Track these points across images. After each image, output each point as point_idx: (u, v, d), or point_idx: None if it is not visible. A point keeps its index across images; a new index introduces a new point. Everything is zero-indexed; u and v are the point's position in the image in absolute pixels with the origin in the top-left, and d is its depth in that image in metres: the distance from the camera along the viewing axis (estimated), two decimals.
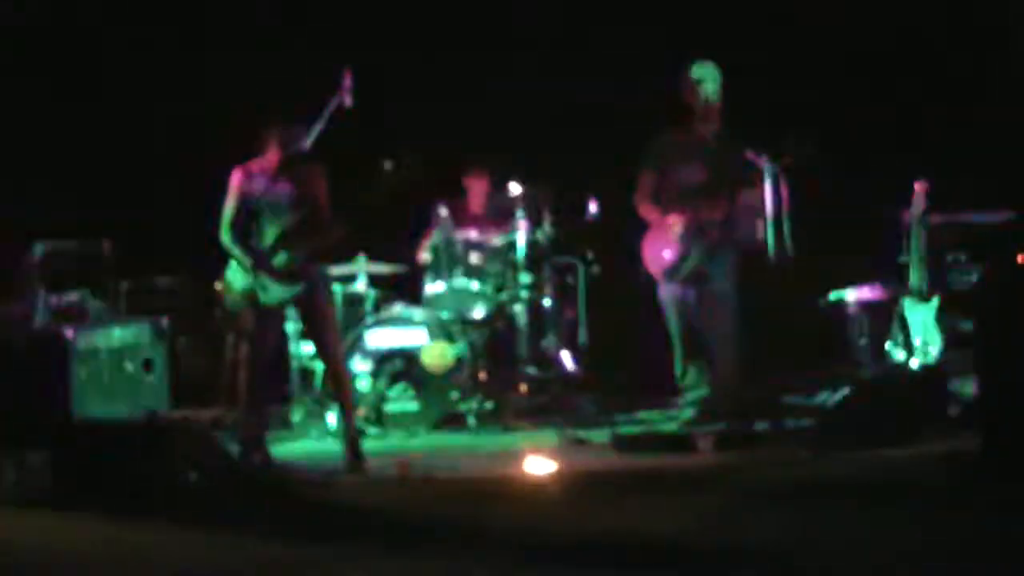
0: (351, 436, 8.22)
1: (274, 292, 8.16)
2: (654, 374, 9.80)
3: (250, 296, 8.18)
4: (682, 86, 8.97)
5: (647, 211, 9.06)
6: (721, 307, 8.91)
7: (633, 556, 5.95)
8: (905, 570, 5.50)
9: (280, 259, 8.15)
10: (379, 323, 9.71)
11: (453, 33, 11.83)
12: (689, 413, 8.98)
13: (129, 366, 9.43)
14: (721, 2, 11.06)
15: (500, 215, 10.22)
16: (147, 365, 9.57)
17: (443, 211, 10.04)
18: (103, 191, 11.46)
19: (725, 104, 9.01)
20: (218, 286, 8.53)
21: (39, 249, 10.16)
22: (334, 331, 8.57)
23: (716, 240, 8.87)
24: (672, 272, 8.94)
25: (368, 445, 8.68)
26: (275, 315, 8.37)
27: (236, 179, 8.28)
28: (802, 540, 6.06)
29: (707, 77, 8.96)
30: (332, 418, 9.10)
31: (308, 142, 8.31)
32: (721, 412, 8.72)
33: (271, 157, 8.25)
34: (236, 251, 8.17)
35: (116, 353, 9.35)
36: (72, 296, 9.86)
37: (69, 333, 9.06)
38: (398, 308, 9.88)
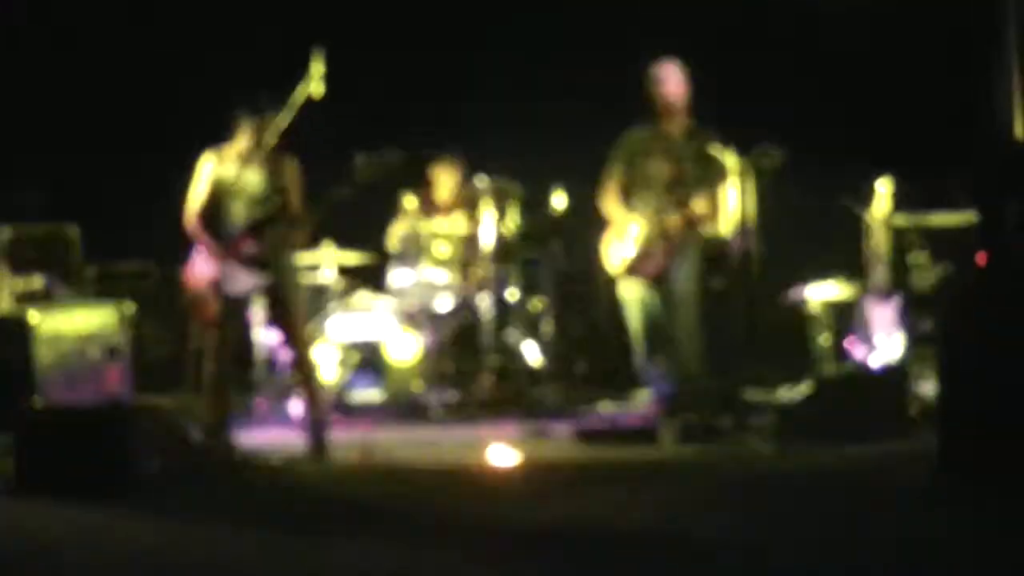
0: (317, 424, 8.22)
1: (241, 281, 8.13)
2: (617, 367, 9.85)
3: (216, 285, 8.13)
4: (646, 84, 9.04)
5: (610, 208, 9.13)
6: (683, 306, 8.93)
7: (593, 547, 5.97)
8: (872, 564, 5.49)
9: (249, 248, 8.13)
10: (344, 312, 9.73)
11: (421, 25, 11.78)
12: (652, 407, 8.97)
13: (94, 351, 9.36)
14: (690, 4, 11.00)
15: (467, 206, 10.23)
16: (112, 351, 9.47)
17: (411, 201, 10.08)
18: (71, 173, 11.44)
19: (693, 101, 9.07)
20: (184, 273, 8.46)
21: (3, 232, 10.14)
22: (301, 320, 8.55)
23: (678, 240, 8.90)
24: (631, 271, 9.00)
25: (332, 434, 8.68)
26: (240, 304, 8.35)
27: (206, 164, 8.24)
28: (763, 534, 6.08)
29: (669, 76, 9.06)
30: (295, 407, 9.11)
31: (279, 130, 8.27)
32: (684, 407, 8.72)
33: (242, 144, 8.22)
34: (203, 238, 8.13)
35: (81, 338, 9.30)
36: (37, 280, 9.86)
37: (33, 317, 9.01)
38: (363, 297, 9.94)
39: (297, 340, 8.43)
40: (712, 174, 8.85)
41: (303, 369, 8.44)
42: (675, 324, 8.94)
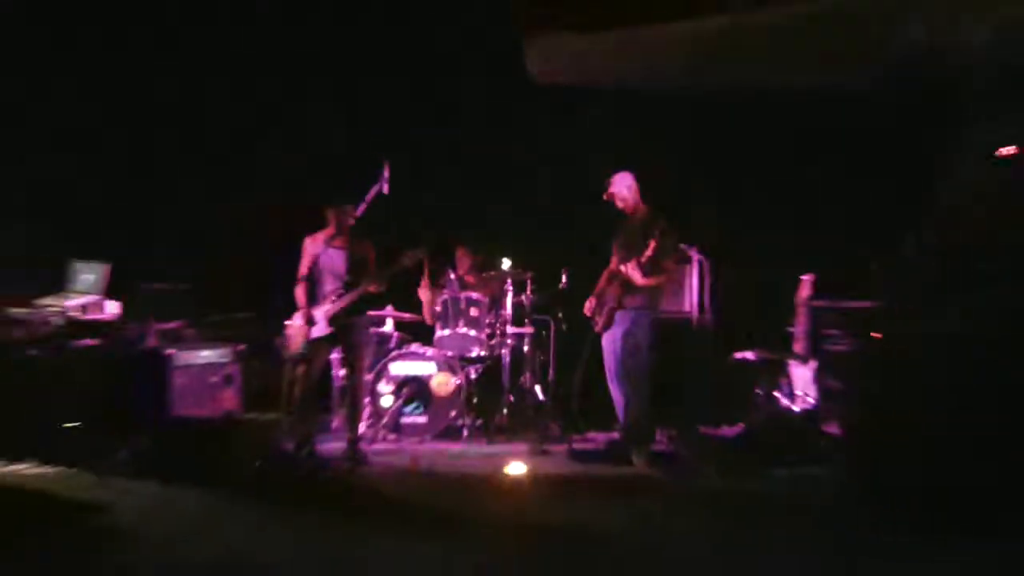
0: (354, 439, 8.41)
1: (322, 331, 8.29)
2: (604, 404, 9.31)
3: (306, 333, 8.33)
4: (605, 190, 8.89)
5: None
6: (628, 357, 8.59)
7: (580, 540, 6.28)
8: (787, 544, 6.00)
9: (330, 310, 8.32)
10: (400, 356, 9.78)
11: (444, 137, 11.48)
12: (624, 436, 8.78)
13: (214, 378, 9.47)
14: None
15: (494, 282, 10.28)
16: (227, 379, 9.61)
17: (451, 275, 10.06)
18: (199, 244, 11.13)
19: (651, 200, 8.81)
20: (286, 325, 8.70)
21: (150, 288, 10.08)
22: (362, 362, 8.67)
23: (614, 307, 8.64)
24: (600, 329, 8.79)
25: (388, 447, 8.89)
26: (323, 347, 8.48)
27: (308, 246, 8.44)
28: (702, 533, 6.46)
29: (618, 184, 8.85)
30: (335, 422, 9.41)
31: (354, 219, 8.42)
32: (639, 437, 8.59)
33: (330, 230, 8.43)
34: (302, 302, 8.33)
35: (204, 368, 9.41)
36: (174, 324, 9.93)
37: (170, 351, 9.14)
38: (415, 346, 9.94)
39: (357, 376, 8.56)
40: (644, 245, 8.51)
41: (354, 397, 8.56)
42: (624, 372, 8.68)
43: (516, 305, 10.21)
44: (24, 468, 8.23)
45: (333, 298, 8.41)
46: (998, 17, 8.12)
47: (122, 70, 11.28)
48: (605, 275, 8.87)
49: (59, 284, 9.91)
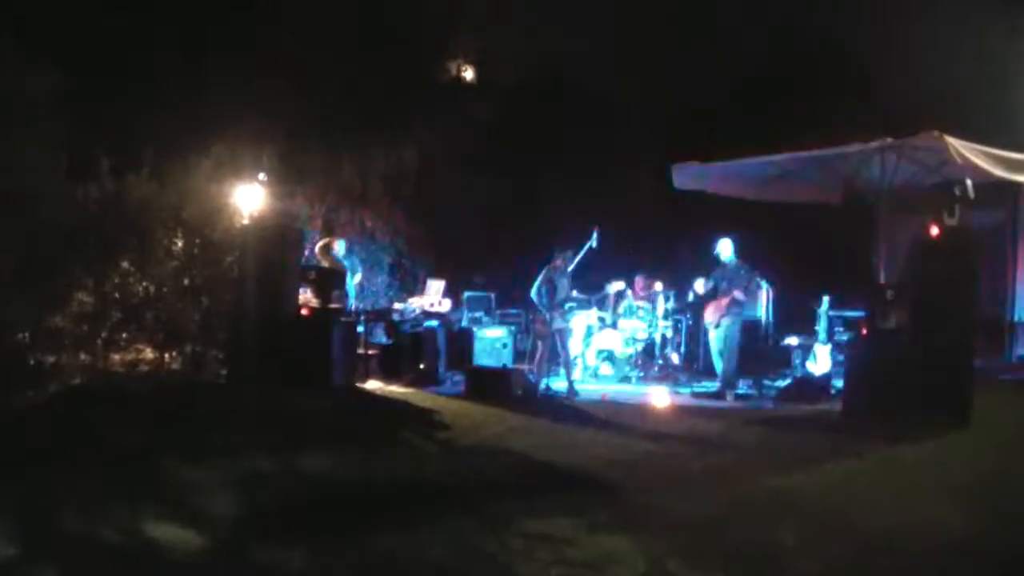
0: (571, 381, 9.30)
1: (551, 322, 9.41)
2: (709, 367, 9.92)
3: (544, 323, 9.42)
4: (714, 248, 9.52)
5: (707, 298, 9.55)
6: (726, 339, 9.28)
7: (691, 437, 7.02)
8: (800, 454, 6.42)
9: (562, 307, 9.45)
10: (598, 335, 10.60)
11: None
12: (717, 385, 9.44)
13: (498, 344, 10.47)
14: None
15: (653, 294, 10.90)
16: (504, 345, 10.53)
17: (631, 292, 11.00)
18: (495, 271, 11.90)
19: (740, 255, 9.40)
20: (532, 318, 9.86)
21: (466, 292, 11.21)
22: (567, 340, 9.57)
23: (722, 309, 9.29)
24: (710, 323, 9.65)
25: (589, 387, 9.72)
26: (550, 331, 9.35)
27: (545, 271, 9.37)
28: (760, 438, 7.10)
29: (722, 246, 9.51)
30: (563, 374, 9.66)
31: (576, 258, 9.49)
32: (730, 384, 9.23)
33: (557, 264, 9.41)
34: (538, 304, 9.41)
35: (492, 339, 10.43)
36: (478, 313, 11.08)
37: (474, 329, 10.31)
38: (607, 330, 10.73)
39: (567, 347, 9.45)
40: (741, 282, 9.30)
41: (567, 359, 9.45)
42: (719, 346, 9.37)
43: (665, 308, 10.91)
44: (394, 387, 9.22)
45: (561, 303, 9.37)
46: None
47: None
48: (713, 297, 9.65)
49: (419, 291, 11.04)
